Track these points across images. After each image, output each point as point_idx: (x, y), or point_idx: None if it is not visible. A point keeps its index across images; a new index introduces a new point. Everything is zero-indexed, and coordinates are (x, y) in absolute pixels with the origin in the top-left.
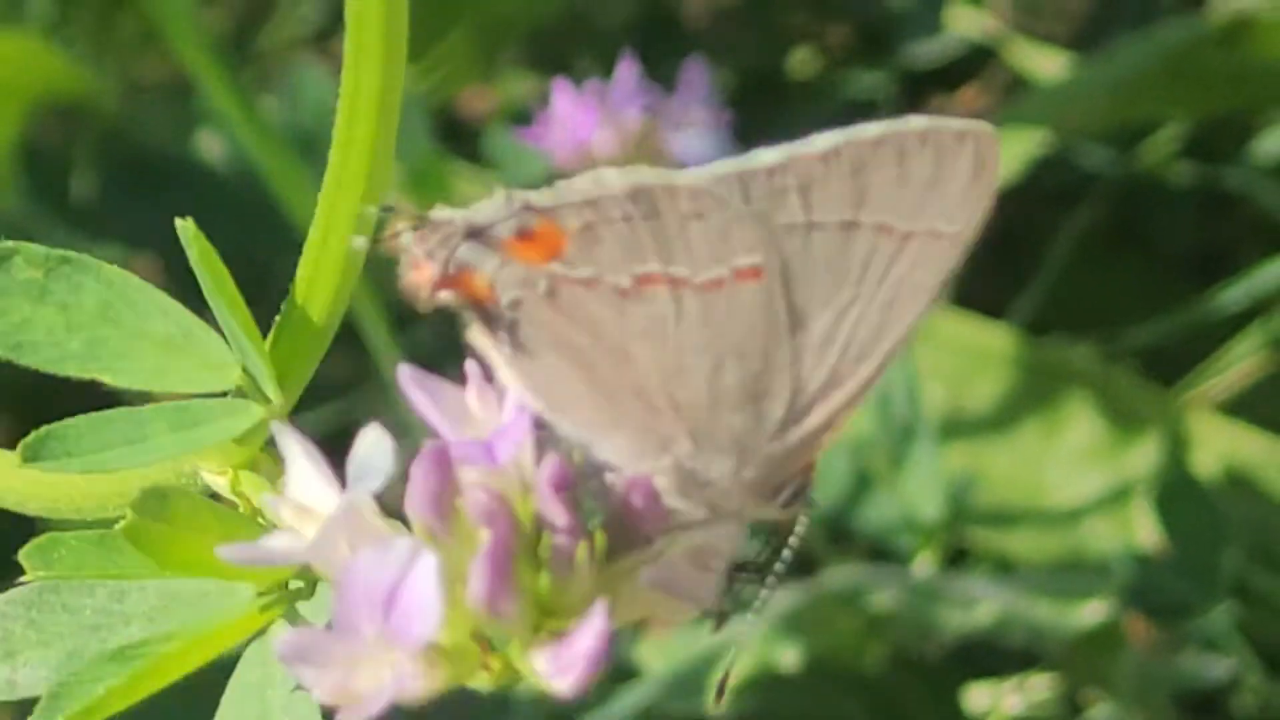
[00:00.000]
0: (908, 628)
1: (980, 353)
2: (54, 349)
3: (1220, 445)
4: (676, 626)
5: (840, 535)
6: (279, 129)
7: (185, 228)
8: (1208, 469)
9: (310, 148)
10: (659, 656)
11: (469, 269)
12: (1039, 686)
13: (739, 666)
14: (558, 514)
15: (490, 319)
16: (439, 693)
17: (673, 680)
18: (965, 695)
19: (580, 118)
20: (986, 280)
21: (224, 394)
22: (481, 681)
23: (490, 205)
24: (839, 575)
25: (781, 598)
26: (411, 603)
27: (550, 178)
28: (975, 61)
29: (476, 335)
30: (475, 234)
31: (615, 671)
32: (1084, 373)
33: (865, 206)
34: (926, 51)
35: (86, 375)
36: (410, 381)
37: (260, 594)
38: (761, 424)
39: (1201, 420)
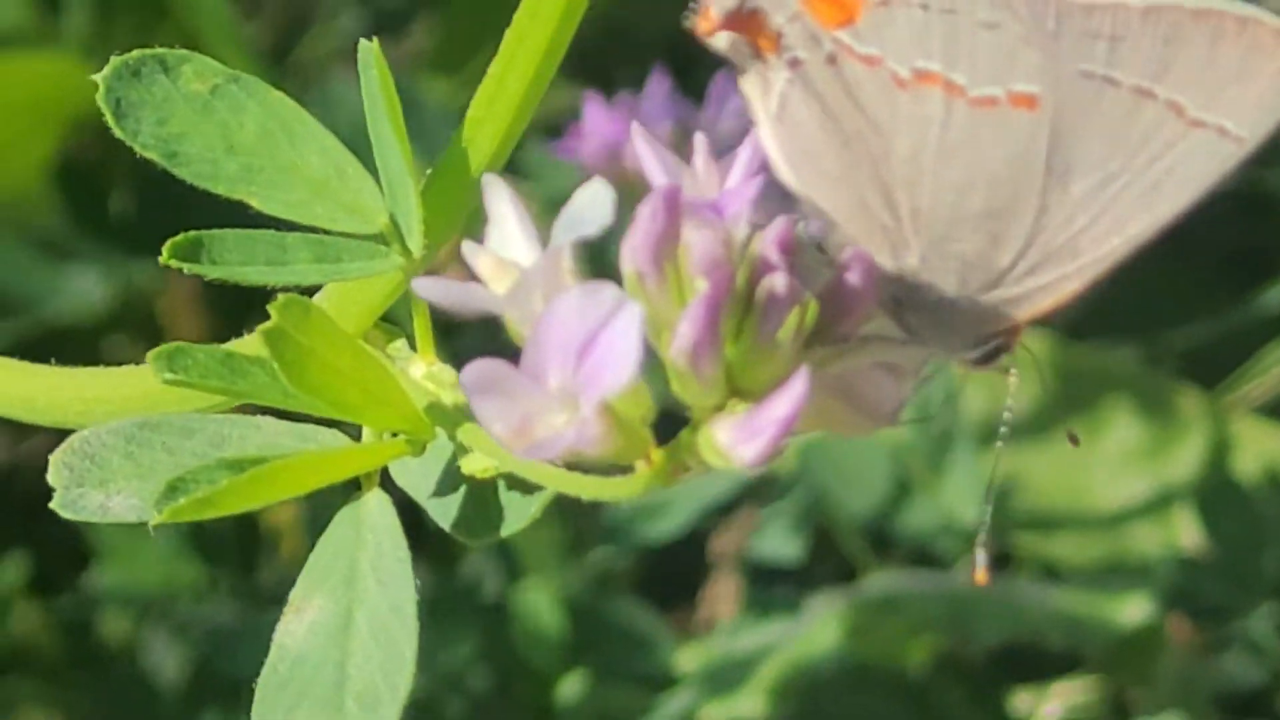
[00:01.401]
0: (949, 632)
1: (1020, 357)
2: (208, 165)
3: (1261, 447)
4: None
5: (881, 541)
6: None
7: (367, 48)
8: (1249, 471)
9: None
10: (695, 662)
11: (762, 13)
12: (1081, 690)
13: (777, 670)
14: (778, 269)
15: (766, 73)
16: (605, 459)
17: (711, 683)
18: (1008, 699)
19: (611, 131)
20: None
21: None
22: (640, 475)
23: None
24: (880, 581)
25: (823, 602)
26: (609, 350)
27: None
28: None
29: (748, 86)
30: None
31: (653, 680)
32: (1125, 376)
33: (1165, 79)
34: None
35: (235, 195)
36: (641, 137)
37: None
38: (989, 262)
39: (1243, 422)
